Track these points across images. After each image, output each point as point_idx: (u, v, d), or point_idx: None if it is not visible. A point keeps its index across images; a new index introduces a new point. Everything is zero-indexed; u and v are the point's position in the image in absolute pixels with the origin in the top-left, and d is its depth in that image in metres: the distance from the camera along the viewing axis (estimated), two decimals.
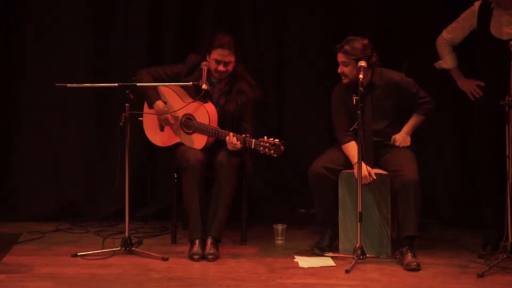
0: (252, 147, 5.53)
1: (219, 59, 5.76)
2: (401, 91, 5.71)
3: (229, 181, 5.65)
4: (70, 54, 6.59)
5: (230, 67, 5.79)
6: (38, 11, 6.58)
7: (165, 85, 5.85)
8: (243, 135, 5.59)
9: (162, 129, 5.88)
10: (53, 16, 6.58)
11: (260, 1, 6.64)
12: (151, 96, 5.83)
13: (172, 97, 5.84)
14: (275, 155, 5.49)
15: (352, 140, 5.68)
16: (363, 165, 5.52)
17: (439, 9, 6.41)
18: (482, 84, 5.78)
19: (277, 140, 5.47)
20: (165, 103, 5.83)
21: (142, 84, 5.76)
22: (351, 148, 5.67)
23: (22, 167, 6.68)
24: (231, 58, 5.78)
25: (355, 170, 5.55)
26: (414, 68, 6.17)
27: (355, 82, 5.51)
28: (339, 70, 5.65)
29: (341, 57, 5.62)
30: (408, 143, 5.75)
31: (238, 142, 5.58)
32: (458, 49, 5.96)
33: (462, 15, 5.83)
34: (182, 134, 5.81)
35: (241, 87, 5.83)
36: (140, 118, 5.89)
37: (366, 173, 5.55)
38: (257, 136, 5.58)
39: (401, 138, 5.75)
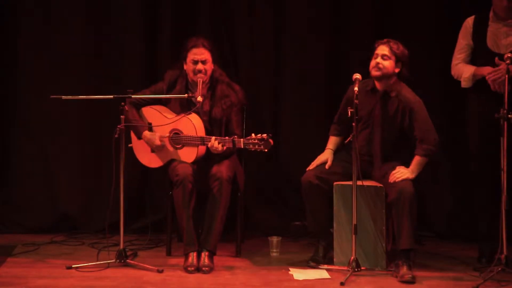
0: (242, 146, 5.54)
1: (195, 59, 5.74)
2: (410, 112, 5.65)
3: (223, 194, 5.64)
4: (64, 65, 6.60)
5: (208, 66, 5.77)
6: (33, 19, 6.59)
7: (160, 97, 5.85)
8: (232, 137, 5.60)
9: (153, 151, 5.87)
10: (49, 24, 6.60)
11: (257, 5, 6.65)
12: (138, 128, 5.82)
13: (155, 116, 5.84)
14: (266, 150, 5.50)
15: (339, 135, 5.86)
16: (328, 154, 5.74)
17: (436, 21, 6.45)
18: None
19: (265, 134, 5.48)
20: (149, 124, 5.82)
21: (138, 96, 5.78)
22: (332, 139, 5.88)
23: (17, 179, 6.68)
24: (207, 56, 5.76)
25: (322, 154, 5.77)
26: (409, 81, 6.20)
27: (386, 77, 5.62)
28: (375, 61, 5.63)
29: (384, 50, 5.63)
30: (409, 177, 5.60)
31: (220, 145, 5.59)
32: None
33: (459, 38, 5.81)
34: (172, 150, 5.81)
35: (224, 92, 5.84)
36: (129, 145, 5.89)
37: (325, 159, 5.72)
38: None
39: (405, 170, 5.60)
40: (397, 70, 5.67)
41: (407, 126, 5.68)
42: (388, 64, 5.65)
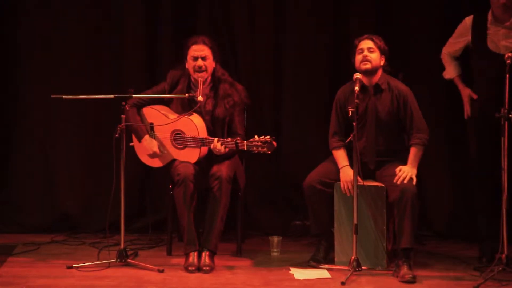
0: (245, 149, 5.54)
1: (195, 55, 5.75)
2: (404, 102, 5.68)
3: (223, 193, 5.64)
4: (65, 65, 6.61)
5: (208, 63, 5.78)
6: (34, 19, 6.59)
7: (161, 97, 5.85)
8: (235, 139, 5.60)
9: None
10: (49, 24, 6.60)
11: (257, 4, 6.65)
12: (139, 132, 5.84)
13: (157, 117, 5.84)
14: (269, 152, 5.50)
15: (343, 147, 5.71)
16: (350, 172, 5.55)
17: (436, 21, 6.45)
18: (475, 96, 5.77)
19: (268, 137, 5.49)
20: (151, 124, 5.82)
21: (140, 96, 5.78)
22: (341, 154, 5.71)
23: (17, 179, 6.68)
24: (207, 53, 5.77)
25: (341, 174, 5.61)
26: (409, 81, 6.20)
27: (375, 70, 5.63)
28: (362, 55, 5.64)
29: (368, 44, 5.66)
30: (414, 177, 5.55)
31: (222, 147, 5.60)
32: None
33: (456, 31, 5.85)
34: (174, 150, 5.81)
35: (227, 91, 5.85)
36: (131, 144, 5.90)
37: (351, 179, 5.53)
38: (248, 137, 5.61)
39: (407, 168, 5.59)
40: (382, 63, 5.70)
41: (403, 117, 5.68)
42: (376, 57, 5.68)
